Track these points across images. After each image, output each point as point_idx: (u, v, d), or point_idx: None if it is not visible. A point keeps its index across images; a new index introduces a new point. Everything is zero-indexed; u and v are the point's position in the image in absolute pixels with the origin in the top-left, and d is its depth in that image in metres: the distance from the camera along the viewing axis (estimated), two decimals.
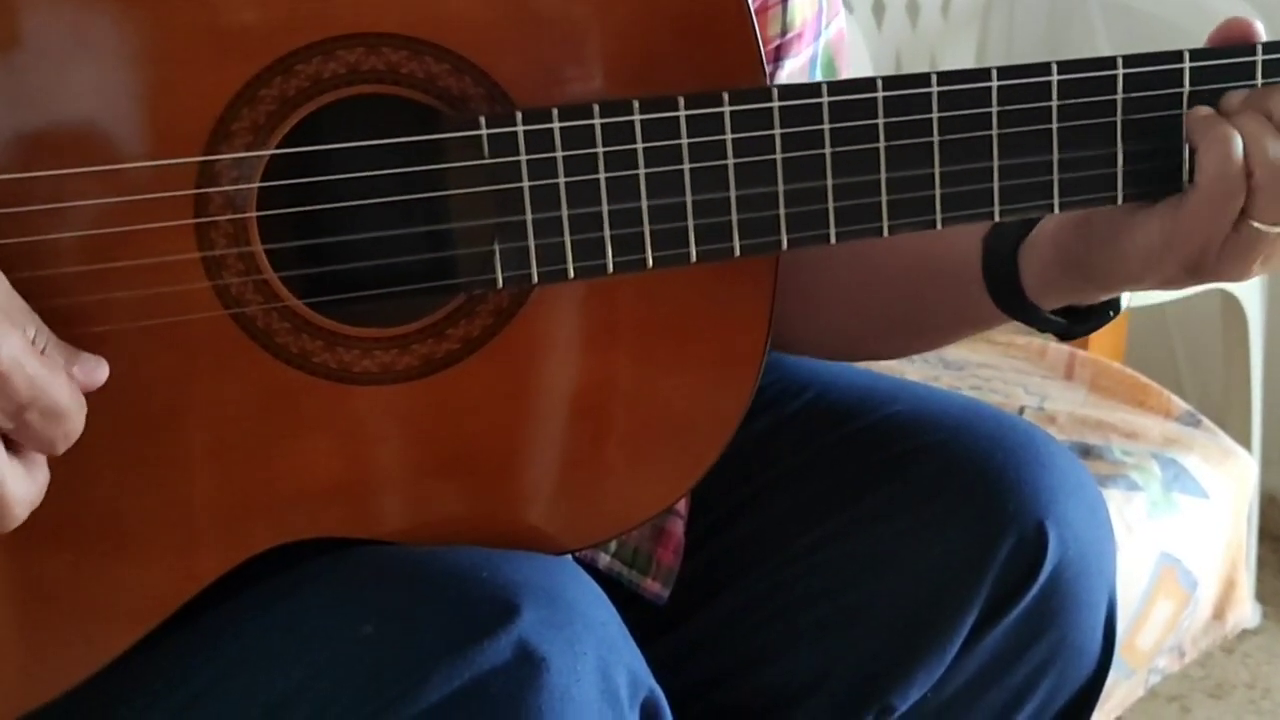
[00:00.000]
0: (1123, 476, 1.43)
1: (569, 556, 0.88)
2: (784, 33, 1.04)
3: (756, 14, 0.88)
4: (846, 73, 1.12)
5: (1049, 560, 1.01)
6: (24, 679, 0.81)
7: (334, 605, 0.81)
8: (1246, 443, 2.14)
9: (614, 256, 0.81)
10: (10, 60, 0.75)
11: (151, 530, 0.81)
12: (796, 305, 1.06)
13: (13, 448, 0.73)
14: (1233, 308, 2.11)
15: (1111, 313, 0.98)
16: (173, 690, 0.84)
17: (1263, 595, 2.23)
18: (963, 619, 1.02)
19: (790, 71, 1.07)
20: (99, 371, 0.76)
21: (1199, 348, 2.40)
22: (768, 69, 1.05)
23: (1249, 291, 2.09)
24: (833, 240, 0.82)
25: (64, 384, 0.73)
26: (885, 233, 0.82)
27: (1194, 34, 0.88)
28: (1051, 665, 1.06)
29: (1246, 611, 1.54)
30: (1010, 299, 0.96)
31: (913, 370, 1.63)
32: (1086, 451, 1.48)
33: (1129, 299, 0.99)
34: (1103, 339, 1.71)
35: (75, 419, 0.74)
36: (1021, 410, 1.54)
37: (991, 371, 1.65)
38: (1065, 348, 1.70)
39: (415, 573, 0.81)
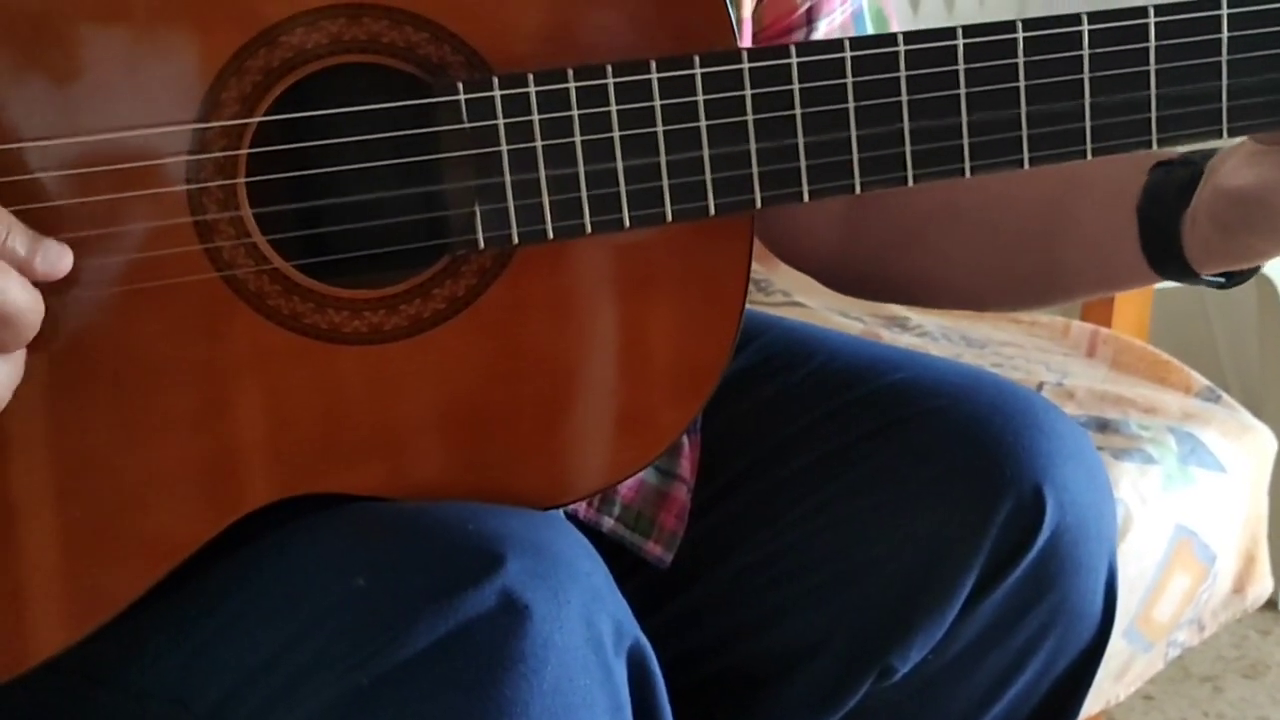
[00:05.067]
0: (1138, 450, 1.44)
1: (558, 511, 0.91)
2: None
3: None
4: (895, 26, 1.12)
5: (1046, 524, 1.02)
6: (37, 628, 0.84)
7: (326, 560, 0.83)
8: None
9: (591, 216, 0.83)
10: (3, 35, 0.78)
11: (149, 488, 0.84)
12: (923, 265, 1.08)
13: None
14: (1266, 289, 2.11)
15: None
16: (176, 646, 0.87)
17: None
18: (961, 582, 1.03)
19: (826, 32, 1.08)
20: (62, 261, 0.77)
21: (1238, 330, 2.40)
22: (800, 33, 1.07)
23: None
24: (806, 198, 0.83)
25: (15, 288, 0.75)
26: (857, 189, 0.83)
27: None
28: (1051, 629, 1.08)
29: (1268, 586, 1.54)
30: (1174, 270, 0.96)
31: (935, 348, 1.64)
32: (1104, 426, 1.48)
33: None
34: (1127, 317, 1.71)
35: (23, 322, 0.76)
36: (1040, 386, 1.55)
37: (1014, 349, 1.66)
38: (1089, 326, 1.71)
39: (404, 526, 0.83)
